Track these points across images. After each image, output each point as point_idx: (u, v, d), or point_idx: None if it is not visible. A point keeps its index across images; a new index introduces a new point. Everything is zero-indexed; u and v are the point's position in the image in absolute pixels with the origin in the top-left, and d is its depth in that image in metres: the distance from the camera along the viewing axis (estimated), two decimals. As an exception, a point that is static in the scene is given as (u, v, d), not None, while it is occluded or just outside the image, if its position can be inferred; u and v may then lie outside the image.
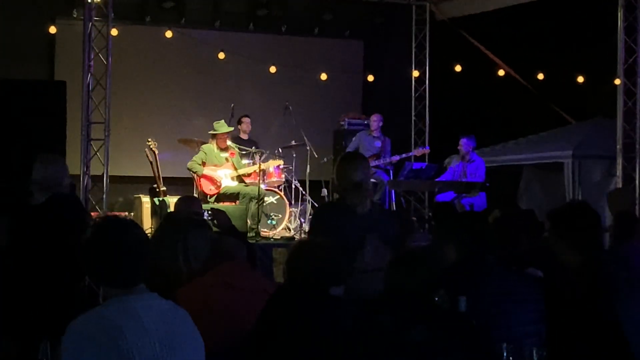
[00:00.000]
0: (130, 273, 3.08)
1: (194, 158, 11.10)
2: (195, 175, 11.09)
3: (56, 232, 5.60)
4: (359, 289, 4.22)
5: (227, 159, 11.13)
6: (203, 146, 11.22)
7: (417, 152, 13.19)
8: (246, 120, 12.34)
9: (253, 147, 11.75)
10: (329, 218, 5.37)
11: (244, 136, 12.23)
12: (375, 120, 12.59)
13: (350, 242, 4.34)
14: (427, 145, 14.08)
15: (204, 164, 11.02)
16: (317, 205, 11.28)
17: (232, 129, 11.48)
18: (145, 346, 2.93)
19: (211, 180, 11.01)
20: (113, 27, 11.07)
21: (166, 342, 2.99)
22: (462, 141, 11.86)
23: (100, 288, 3.20)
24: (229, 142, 11.21)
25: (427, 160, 13.83)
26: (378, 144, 12.41)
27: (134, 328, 2.94)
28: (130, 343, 2.90)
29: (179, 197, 7.46)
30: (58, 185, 5.81)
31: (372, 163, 12.16)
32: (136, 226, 3.22)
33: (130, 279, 3.08)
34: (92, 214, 9.55)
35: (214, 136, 11.16)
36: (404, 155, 12.41)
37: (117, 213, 11.08)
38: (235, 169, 11.18)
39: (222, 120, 11.34)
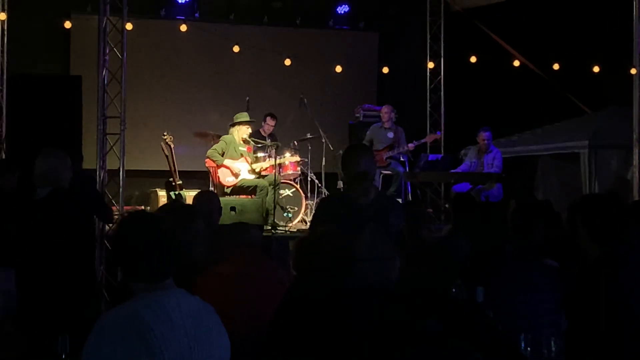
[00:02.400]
0: (158, 268, 3.09)
1: (214, 147, 11.05)
2: (214, 165, 11.06)
3: (60, 227, 5.65)
4: (356, 279, 4.23)
5: (242, 154, 11.10)
6: (224, 137, 11.15)
7: (428, 138, 13.11)
8: (270, 121, 12.18)
9: (268, 140, 11.72)
10: (328, 208, 5.43)
11: (264, 134, 12.15)
12: (385, 112, 12.50)
13: (346, 232, 4.34)
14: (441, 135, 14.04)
15: (222, 154, 11.00)
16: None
17: (254, 120, 11.43)
18: (174, 341, 2.95)
19: (230, 171, 10.99)
20: (128, 21, 11.08)
21: (194, 337, 3.01)
22: (484, 135, 11.83)
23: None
24: (245, 136, 11.16)
25: (442, 148, 13.79)
26: (390, 134, 12.36)
27: (162, 323, 2.95)
28: (158, 338, 2.92)
29: (195, 190, 7.47)
30: (58, 179, 5.85)
31: (387, 154, 12.15)
32: (163, 221, 3.23)
33: (158, 273, 3.09)
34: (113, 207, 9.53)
35: (236, 125, 11.11)
36: (416, 143, 12.33)
37: (133, 207, 11.11)
38: (250, 164, 11.17)
39: (245, 113, 11.34)
